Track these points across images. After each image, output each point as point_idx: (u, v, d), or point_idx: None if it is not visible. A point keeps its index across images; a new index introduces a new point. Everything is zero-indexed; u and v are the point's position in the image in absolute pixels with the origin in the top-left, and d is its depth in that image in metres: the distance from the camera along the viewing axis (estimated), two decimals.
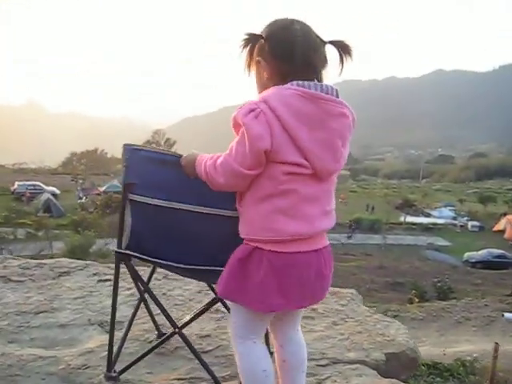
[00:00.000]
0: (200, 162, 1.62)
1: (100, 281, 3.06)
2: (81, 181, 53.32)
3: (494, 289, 21.99)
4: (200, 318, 2.48)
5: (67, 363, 2.12)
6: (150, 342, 2.33)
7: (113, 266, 3.07)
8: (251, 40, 1.54)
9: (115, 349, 2.08)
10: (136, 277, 2.06)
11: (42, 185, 47.46)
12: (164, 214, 1.84)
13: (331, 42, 1.55)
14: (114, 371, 2.04)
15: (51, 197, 42.68)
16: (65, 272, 3.17)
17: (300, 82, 1.48)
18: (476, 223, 48.49)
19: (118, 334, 2.40)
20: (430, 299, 15.72)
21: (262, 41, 1.53)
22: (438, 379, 3.07)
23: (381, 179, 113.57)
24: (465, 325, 10.48)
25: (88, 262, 3.39)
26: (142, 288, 2.13)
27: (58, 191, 47.55)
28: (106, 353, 2.19)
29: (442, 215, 53.12)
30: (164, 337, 2.09)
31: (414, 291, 16.80)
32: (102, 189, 46.59)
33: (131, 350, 2.26)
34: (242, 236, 1.58)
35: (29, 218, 35.26)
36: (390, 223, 44.66)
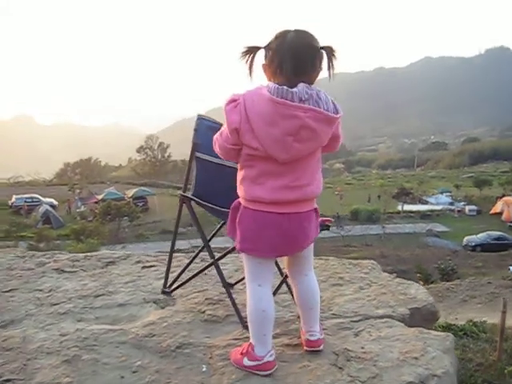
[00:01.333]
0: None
1: (144, 267, 3.39)
2: (78, 190, 53.49)
3: (496, 270, 22.33)
4: (242, 291, 2.85)
5: (135, 333, 2.43)
6: (203, 312, 2.65)
7: (152, 253, 3.43)
8: (250, 51, 1.93)
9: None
10: (193, 216, 2.66)
11: (39, 197, 47.68)
12: (220, 170, 2.38)
13: (321, 48, 1.90)
14: (169, 288, 2.64)
15: (50, 208, 42.94)
16: (111, 262, 3.49)
17: (271, 85, 1.86)
18: (473, 207, 48.97)
19: (170, 309, 2.73)
20: (434, 281, 16.09)
21: (263, 50, 1.93)
22: (454, 337, 3.39)
23: (375, 170, 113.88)
24: (470, 303, 10.84)
25: (128, 252, 3.71)
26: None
27: (55, 202, 47.77)
28: (166, 324, 2.54)
29: (438, 201, 53.58)
30: (205, 266, 2.70)
31: (418, 274, 17.18)
32: (100, 197, 46.76)
33: (188, 319, 2.57)
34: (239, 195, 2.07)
35: (29, 231, 35.47)
36: (388, 213, 45.08)
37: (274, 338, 2.35)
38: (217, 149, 2.04)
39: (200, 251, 2.80)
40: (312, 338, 2.23)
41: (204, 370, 2.14)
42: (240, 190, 2.01)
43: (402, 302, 2.73)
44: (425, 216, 46.45)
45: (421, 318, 2.66)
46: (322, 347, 2.24)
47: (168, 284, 2.75)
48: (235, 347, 2.26)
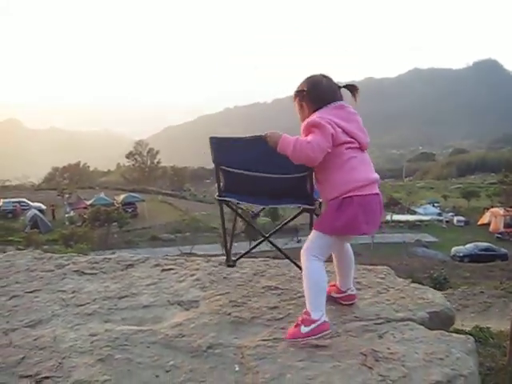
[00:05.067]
0: (286, 140, 2.42)
1: (164, 270, 3.44)
2: (67, 195, 53.11)
3: (483, 281, 22.53)
4: (264, 294, 2.92)
5: (165, 334, 2.49)
6: (229, 314, 2.71)
7: (170, 257, 3.50)
8: (299, 94, 2.59)
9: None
10: (235, 209, 3.02)
11: (27, 201, 47.39)
12: (240, 176, 2.73)
13: (344, 86, 2.59)
14: (232, 260, 3.11)
15: (38, 213, 42.60)
16: (130, 264, 3.54)
17: (334, 103, 2.53)
18: (461, 218, 49.47)
19: (195, 311, 2.80)
20: None
21: (304, 93, 2.57)
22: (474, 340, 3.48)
23: None
24: (463, 312, 10.93)
25: (146, 255, 3.77)
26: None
27: (44, 207, 47.45)
28: (194, 325, 2.60)
29: (427, 212, 54.08)
30: (256, 243, 3.19)
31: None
32: (89, 202, 46.50)
33: (214, 321, 2.64)
34: (330, 198, 2.48)
35: (17, 235, 35.17)
36: None
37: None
38: (310, 152, 2.34)
39: (262, 241, 3.14)
40: (353, 293, 2.82)
41: (237, 369, 2.20)
42: (349, 183, 2.42)
43: (420, 306, 2.82)
44: (413, 226, 46.78)
45: (439, 321, 2.74)
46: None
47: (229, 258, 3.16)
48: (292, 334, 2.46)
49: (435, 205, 58.61)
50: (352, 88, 2.58)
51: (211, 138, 2.73)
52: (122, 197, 50.93)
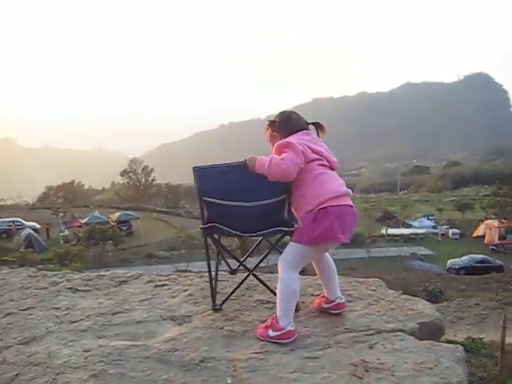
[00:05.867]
0: (262, 160, 2.61)
1: (157, 286, 3.48)
2: (61, 214, 52.93)
3: (479, 293, 22.57)
4: (256, 308, 2.96)
5: (157, 348, 2.52)
6: (221, 328, 2.74)
7: (164, 273, 3.53)
8: (271, 124, 2.85)
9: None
10: (217, 243, 3.01)
11: (21, 220, 47.22)
12: (221, 206, 2.74)
13: (311, 123, 2.86)
14: (217, 305, 3.01)
15: (32, 232, 42.41)
16: (123, 281, 3.58)
17: (302, 131, 2.78)
18: (456, 231, 49.57)
19: (188, 325, 2.83)
20: None
21: (276, 123, 2.83)
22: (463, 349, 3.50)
23: (359, 194, 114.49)
24: (458, 324, 10.97)
25: (140, 271, 3.80)
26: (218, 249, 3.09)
27: (38, 226, 47.29)
28: (187, 339, 2.63)
29: (422, 225, 54.21)
30: (242, 280, 3.08)
31: None
32: (84, 221, 46.39)
33: (207, 335, 2.67)
34: (306, 212, 2.61)
35: (11, 255, 34.96)
36: (372, 236, 45.33)
37: (292, 351, 2.47)
38: (285, 168, 2.54)
39: (247, 277, 3.11)
40: (342, 301, 2.89)
41: (229, 382, 2.23)
42: (322, 195, 2.57)
43: (410, 316, 2.85)
44: (409, 239, 46.86)
45: (429, 331, 2.77)
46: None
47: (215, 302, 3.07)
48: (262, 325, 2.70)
49: (430, 218, 58.79)
50: (318, 125, 2.87)
51: (194, 168, 2.74)
52: (116, 215, 50.87)
